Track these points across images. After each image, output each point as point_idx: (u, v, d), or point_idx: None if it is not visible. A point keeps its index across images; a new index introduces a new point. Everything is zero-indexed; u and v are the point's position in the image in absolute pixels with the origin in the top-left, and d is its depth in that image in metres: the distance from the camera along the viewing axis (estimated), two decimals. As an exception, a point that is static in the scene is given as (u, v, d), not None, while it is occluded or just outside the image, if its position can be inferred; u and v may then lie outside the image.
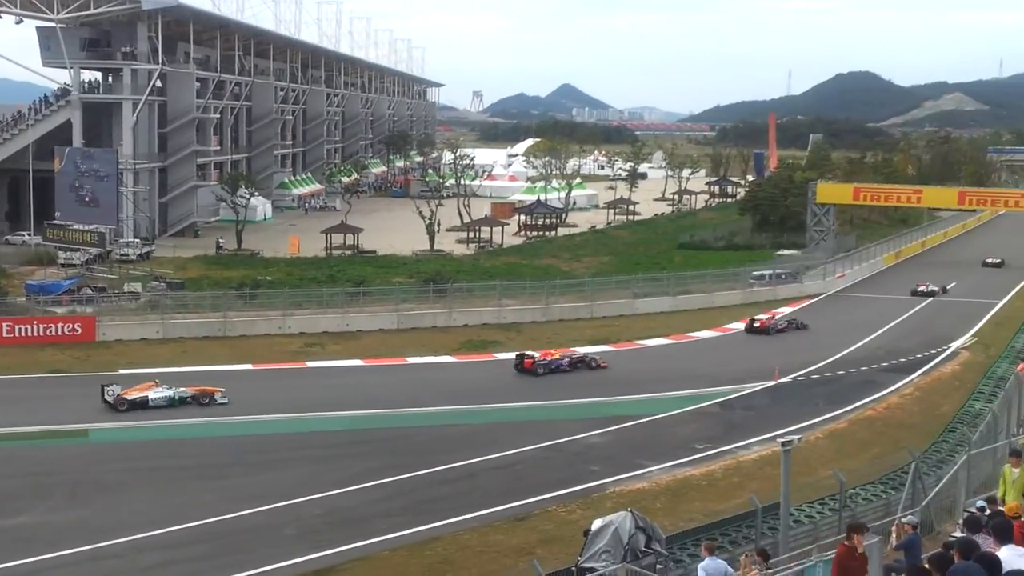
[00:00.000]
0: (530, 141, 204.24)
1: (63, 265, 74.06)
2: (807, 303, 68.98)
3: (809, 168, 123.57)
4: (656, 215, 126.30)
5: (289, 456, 36.58)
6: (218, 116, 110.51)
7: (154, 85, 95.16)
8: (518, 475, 34.68)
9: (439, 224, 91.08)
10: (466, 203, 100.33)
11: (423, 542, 28.69)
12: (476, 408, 43.20)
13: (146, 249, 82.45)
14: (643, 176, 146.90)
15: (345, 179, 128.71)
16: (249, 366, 49.74)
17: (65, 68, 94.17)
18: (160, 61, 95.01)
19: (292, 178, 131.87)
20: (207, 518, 29.94)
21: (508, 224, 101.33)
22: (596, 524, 24.04)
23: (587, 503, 31.56)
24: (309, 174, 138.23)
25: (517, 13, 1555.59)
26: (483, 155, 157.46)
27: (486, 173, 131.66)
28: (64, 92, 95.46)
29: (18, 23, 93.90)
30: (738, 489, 32.03)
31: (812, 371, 49.90)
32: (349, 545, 28.19)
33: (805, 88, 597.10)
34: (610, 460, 35.95)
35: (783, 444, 22.33)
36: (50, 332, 52.97)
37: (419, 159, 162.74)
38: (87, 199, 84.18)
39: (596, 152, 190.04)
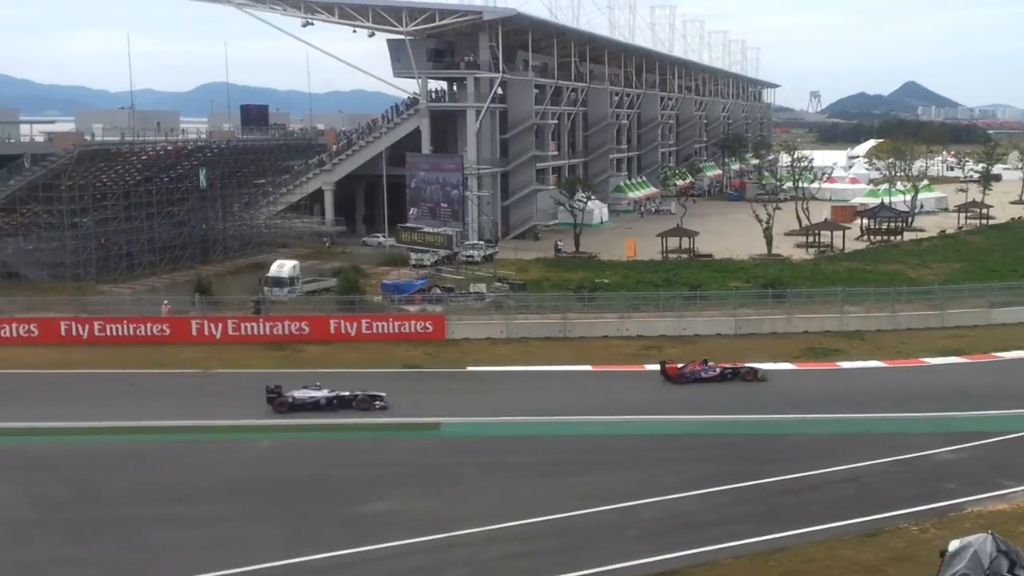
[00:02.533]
0: (872, 142, 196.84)
1: (414, 266, 78.01)
2: None
3: None
4: (1013, 219, 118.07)
5: (628, 457, 36.79)
6: (555, 122, 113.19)
7: (495, 93, 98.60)
8: (866, 489, 33.28)
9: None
10: (804, 206, 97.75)
11: (767, 552, 28.05)
12: (819, 417, 41.87)
13: (490, 251, 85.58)
14: (997, 178, 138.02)
15: (680, 182, 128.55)
16: (588, 367, 50.51)
17: (414, 78, 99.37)
18: (501, 69, 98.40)
19: (627, 182, 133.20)
20: (552, 514, 30.60)
21: (849, 228, 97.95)
22: (953, 545, 22.66)
23: (942, 522, 29.85)
24: (644, 178, 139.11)
25: (857, 10, 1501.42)
26: (821, 157, 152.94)
27: (825, 176, 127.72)
28: (413, 101, 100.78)
29: (371, 36, 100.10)
30: (1116, 518, 29.38)
31: None
32: (691, 550, 27.98)
33: None
34: (967, 478, 33.80)
35: None
36: (404, 329, 55.94)
37: (755, 162, 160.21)
38: (435, 203, 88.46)
39: (944, 153, 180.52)
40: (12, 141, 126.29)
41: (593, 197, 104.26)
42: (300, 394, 41.52)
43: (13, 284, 67.68)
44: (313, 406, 41.19)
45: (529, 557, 27.96)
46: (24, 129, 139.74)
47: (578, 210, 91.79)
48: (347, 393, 41.79)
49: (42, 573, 26.49)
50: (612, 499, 31.76)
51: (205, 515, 30.53)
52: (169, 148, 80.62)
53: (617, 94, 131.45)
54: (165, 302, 58.08)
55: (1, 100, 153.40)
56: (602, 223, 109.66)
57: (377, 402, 41.66)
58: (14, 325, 53.88)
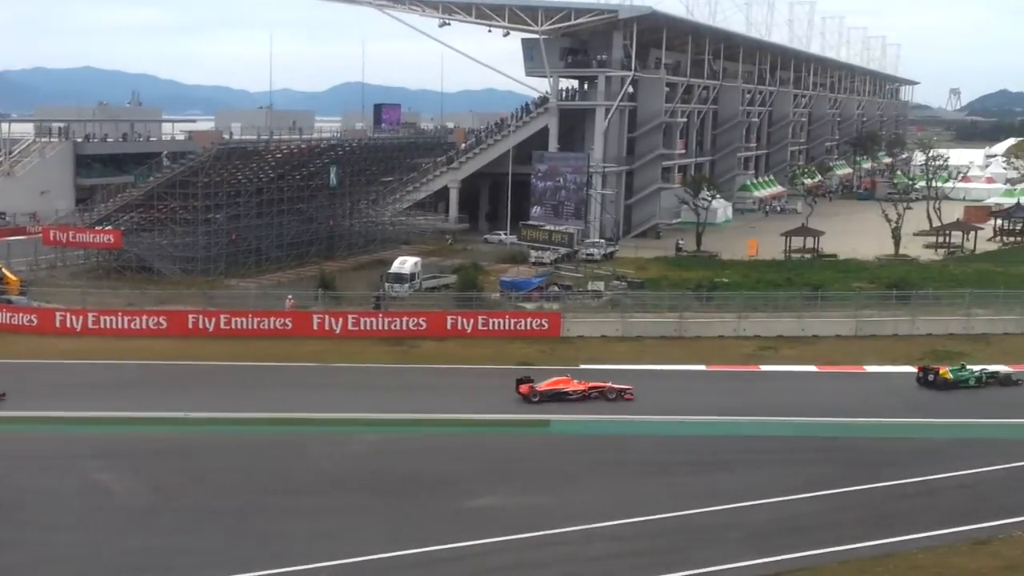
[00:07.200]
0: (1012, 141, 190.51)
1: (534, 263, 78.30)
2: None
3: None
4: None
5: (737, 458, 36.54)
6: (684, 120, 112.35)
7: (626, 91, 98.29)
8: (982, 496, 32.49)
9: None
10: (936, 206, 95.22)
11: (874, 558, 27.64)
12: (937, 422, 41.00)
13: (610, 249, 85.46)
14: None
15: (808, 181, 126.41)
16: (702, 367, 50.13)
17: (545, 77, 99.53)
18: (633, 68, 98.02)
19: (754, 181, 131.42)
20: (655, 514, 30.57)
21: (983, 229, 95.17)
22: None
23: (1058, 532, 29.02)
24: (771, 176, 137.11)
25: (1003, 6, 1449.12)
26: (957, 156, 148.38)
27: (960, 175, 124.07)
28: (543, 100, 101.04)
29: (505, 35, 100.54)
30: None
31: None
32: (795, 554, 27.69)
33: None
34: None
35: None
36: (519, 326, 56.11)
37: (887, 160, 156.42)
38: (559, 201, 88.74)
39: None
40: (153, 139, 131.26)
41: (718, 196, 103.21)
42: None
43: (145, 278, 69.88)
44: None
45: (629, 557, 27.99)
46: (166, 128, 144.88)
47: (702, 209, 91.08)
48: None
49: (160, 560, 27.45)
50: (717, 500, 31.61)
51: (311, 506, 31.24)
52: (302, 146, 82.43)
53: (749, 92, 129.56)
54: (289, 297, 59.47)
55: (146, 100, 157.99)
56: (725, 222, 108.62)
57: None
58: (144, 317, 55.64)
